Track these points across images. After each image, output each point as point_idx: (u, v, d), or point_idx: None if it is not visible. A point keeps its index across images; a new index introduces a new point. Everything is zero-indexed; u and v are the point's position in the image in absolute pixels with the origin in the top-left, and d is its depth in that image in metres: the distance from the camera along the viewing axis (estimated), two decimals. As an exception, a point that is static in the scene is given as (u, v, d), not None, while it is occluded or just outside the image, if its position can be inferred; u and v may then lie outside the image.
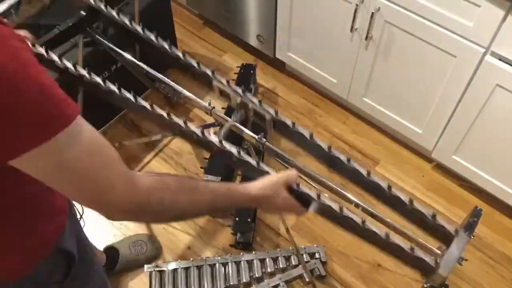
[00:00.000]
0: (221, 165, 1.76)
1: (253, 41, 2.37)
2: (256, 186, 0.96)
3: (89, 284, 1.05)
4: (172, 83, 1.47)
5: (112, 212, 0.74)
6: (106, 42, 1.65)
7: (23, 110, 0.59)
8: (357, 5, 1.71)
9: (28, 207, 0.81)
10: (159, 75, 1.50)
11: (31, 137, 0.61)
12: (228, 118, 1.36)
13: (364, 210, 1.21)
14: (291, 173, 1.04)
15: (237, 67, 2.29)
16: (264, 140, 1.27)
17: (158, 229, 1.87)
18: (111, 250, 1.73)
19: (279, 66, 2.40)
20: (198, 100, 1.42)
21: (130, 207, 0.73)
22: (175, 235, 1.85)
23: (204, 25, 2.65)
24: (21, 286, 0.88)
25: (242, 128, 1.31)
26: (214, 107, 1.41)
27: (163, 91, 2.11)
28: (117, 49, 1.62)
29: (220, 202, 0.90)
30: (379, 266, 1.78)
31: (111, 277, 1.69)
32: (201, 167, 1.99)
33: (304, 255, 1.77)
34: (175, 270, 1.73)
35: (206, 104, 1.39)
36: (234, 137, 1.35)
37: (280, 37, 2.18)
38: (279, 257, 1.76)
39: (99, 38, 1.67)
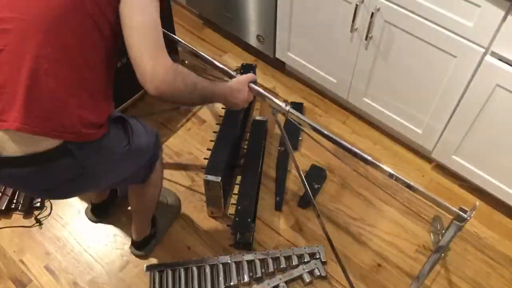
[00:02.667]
0: (221, 166, 1.76)
1: (253, 41, 2.37)
2: (231, 82, 1.37)
3: (142, 137, 1.36)
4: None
5: (157, 70, 1.08)
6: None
7: None
8: (357, 5, 1.71)
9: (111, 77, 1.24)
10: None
11: None
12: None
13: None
14: (251, 74, 1.43)
15: (236, 67, 2.29)
16: (288, 107, 1.49)
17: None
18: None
19: (279, 66, 2.40)
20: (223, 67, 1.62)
21: (168, 72, 1.09)
22: (175, 235, 1.85)
23: (204, 25, 2.65)
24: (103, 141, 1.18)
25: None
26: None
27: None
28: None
29: (212, 93, 1.27)
30: (379, 266, 1.78)
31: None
32: (202, 167, 1.99)
33: (304, 255, 1.77)
34: (175, 270, 1.73)
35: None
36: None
37: (280, 37, 2.18)
38: (279, 257, 1.76)
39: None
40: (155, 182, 1.56)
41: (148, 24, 1.11)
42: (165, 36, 1.18)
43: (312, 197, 1.68)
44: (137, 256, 1.79)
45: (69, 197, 1.68)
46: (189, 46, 1.67)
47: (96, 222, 1.88)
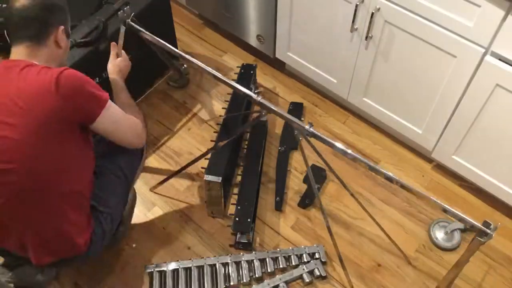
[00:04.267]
0: (222, 166, 1.76)
1: (253, 41, 2.37)
2: (112, 74, 1.67)
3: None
4: (195, 61, 1.68)
5: (141, 141, 1.55)
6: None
7: (92, 92, 1.32)
8: (357, 5, 1.71)
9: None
10: (185, 55, 1.74)
11: (98, 107, 1.33)
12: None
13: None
14: (112, 49, 1.72)
15: (237, 67, 2.30)
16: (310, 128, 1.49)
17: (158, 229, 1.87)
18: None
19: (279, 66, 2.40)
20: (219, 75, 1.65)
21: (141, 126, 1.52)
22: (175, 235, 1.85)
23: (204, 25, 2.65)
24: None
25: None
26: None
27: (182, 69, 2.32)
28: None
29: (128, 98, 1.63)
30: (379, 266, 1.78)
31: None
32: (202, 168, 2.00)
33: (304, 255, 1.77)
34: (175, 270, 1.73)
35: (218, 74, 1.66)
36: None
37: (280, 37, 2.18)
38: (279, 257, 1.76)
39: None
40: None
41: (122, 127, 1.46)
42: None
43: (318, 197, 1.68)
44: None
45: None
46: (194, 61, 1.68)
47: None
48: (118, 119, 1.41)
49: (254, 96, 1.54)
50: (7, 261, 1.61)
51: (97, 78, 1.94)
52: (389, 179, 1.38)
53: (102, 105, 1.34)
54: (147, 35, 1.77)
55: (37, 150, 1.25)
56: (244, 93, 1.57)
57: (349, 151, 1.43)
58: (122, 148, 1.53)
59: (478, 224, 1.27)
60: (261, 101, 1.53)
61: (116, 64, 1.67)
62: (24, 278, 1.60)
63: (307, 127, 1.47)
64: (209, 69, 1.63)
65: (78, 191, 1.39)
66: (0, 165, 1.25)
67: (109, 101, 1.37)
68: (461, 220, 1.32)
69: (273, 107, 1.52)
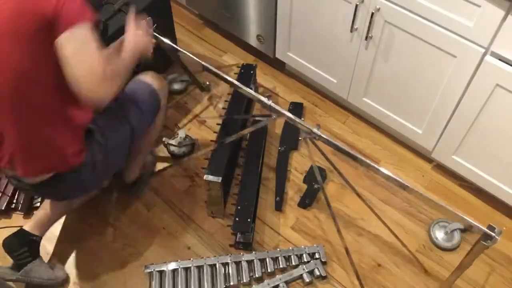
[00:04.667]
0: (222, 166, 1.77)
1: (253, 41, 2.37)
2: (123, 38, 1.48)
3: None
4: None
5: (93, 92, 1.25)
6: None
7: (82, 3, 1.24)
8: (357, 5, 1.71)
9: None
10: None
11: (80, 18, 1.22)
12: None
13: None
14: (130, 21, 1.51)
15: (237, 67, 2.29)
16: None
17: (158, 229, 1.87)
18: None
19: (279, 66, 2.40)
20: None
21: (103, 75, 1.24)
22: (175, 235, 1.85)
23: (204, 25, 2.65)
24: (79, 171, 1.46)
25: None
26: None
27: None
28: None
29: (122, 62, 1.39)
30: (379, 266, 1.78)
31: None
32: (202, 168, 2.00)
33: (304, 255, 1.77)
34: (175, 270, 1.73)
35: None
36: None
37: (280, 37, 2.18)
38: (279, 257, 1.76)
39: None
40: (158, 125, 1.79)
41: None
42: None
43: (324, 192, 1.68)
44: (130, 196, 1.94)
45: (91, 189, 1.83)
46: (211, 68, 1.67)
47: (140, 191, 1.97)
48: (85, 46, 1.24)
49: (265, 100, 1.55)
50: (15, 260, 1.62)
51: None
52: (402, 186, 1.39)
53: (82, 19, 1.23)
54: (167, 44, 1.75)
55: (26, 58, 1.25)
56: (255, 97, 1.57)
57: (358, 155, 1.44)
58: (134, 103, 1.57)
59: (484, 228, 1.27)
60: (271, 105, 1.54)
61: (131, 38, 1.46)
62: (33, 276, 1.61)
63: (315, 129, 1.49)
64: (230, 79, 1.62)
65: (70, 101, 1.33)
66: None
67: (89, 25, 1.25)
68: (467, 224, 1.32)
69: (283, 111, 1.53)
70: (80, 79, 1.22)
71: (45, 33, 1.22)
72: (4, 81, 1.28)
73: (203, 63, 1.63)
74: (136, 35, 1.47)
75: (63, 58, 1.23)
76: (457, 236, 1.83)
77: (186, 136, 2.08)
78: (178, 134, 2.08)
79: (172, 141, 2.07)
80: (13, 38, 1.23)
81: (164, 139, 2.05)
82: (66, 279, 1.73)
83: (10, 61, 1.25)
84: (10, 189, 1.91)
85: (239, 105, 2.06)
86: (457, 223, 1.83)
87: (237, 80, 2.15)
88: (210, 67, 1.63)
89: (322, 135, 1.48)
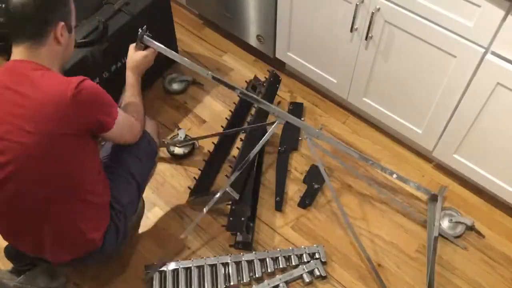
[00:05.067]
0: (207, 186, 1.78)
1: (253, 41, 2.37)
2: (127, 68, 1.64)
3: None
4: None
5: (135, 139, 1.55)
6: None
7: (108, 106, 1.36)
8: (357, 5, 1.71)
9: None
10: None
11: (111, 120, 1.36)
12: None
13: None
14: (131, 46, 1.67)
15: (245, 81, 2.28)
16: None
17: (158, 229, 1.87)
18: None
19: (279, 66, 2.40)
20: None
21: (140, 128, 1.57)
22: (175, 235, 1.85)
23: (204, 25, 2.65)
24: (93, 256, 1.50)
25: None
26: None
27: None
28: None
29: (137, 98, 1.61)
30: (379, 266, 1.78)
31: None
32: (199, 169, 1.99)
33: (304, 255, 1.77)
34: (175, 270, 1.73)
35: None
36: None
37: (280, 37, 2.18)
38: (279, 257, 1.76)
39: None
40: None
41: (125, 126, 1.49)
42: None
43: (332, 188, 1.68)
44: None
45: None
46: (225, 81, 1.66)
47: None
48: (122, 126, 1.44)
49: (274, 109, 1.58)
50: (16, 266, 1.62)
51: (97, 78, 1.95)
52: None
53: (114, 117, 1.37)
54: (163, 49, 1.70)
55: (51, 152, 1.27)
56: (265, 105, 1.60)
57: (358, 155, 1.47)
58: (134, 155, 1.58)
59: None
60: (279, 114, 1.58)
61: (133, 58, 1.62)
62: (34, 283, 1.61)
63: (318, 130, 1.54)
64: (239, 88, 1.62)
65: (92, 190, 1.41)
66: (23, 167, 1.28)
67: (118, 110, 1.40)
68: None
69: (290, 117, 1.55)
70: (124, 141, 1.52)
71: (71, 132, 1.30)
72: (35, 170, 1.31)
73: (211, 74, 1.61)
74: (133, 60, 1.62)
75: (108, 140, 1.52)
76: (460, 228, 1.83)
77: (186, 136, 2.08)
78: (178, 134, 2.08)
79: (172, 141, 2.07)
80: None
81: (164, 139, 2.05)
82: (67, 280, 1.73)
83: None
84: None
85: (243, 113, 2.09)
86: (465, 218, 1.85)
87: (263, 93, 2.14)
88: (218, 77, 1.62)
89: (322, 134, 1.49)
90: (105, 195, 1.47)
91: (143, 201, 1.85)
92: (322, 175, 1.67)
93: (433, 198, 1.88)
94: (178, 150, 2.06)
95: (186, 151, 2.07)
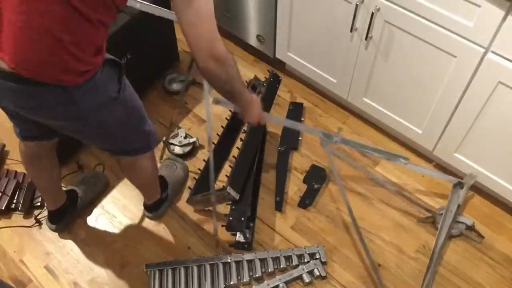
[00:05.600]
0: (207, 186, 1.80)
1: (253, 41, 2.37)
2: (254, 95, 1.46)
3: (136, 100, 1.45)
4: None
5: (213, 54, 1.23)
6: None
7: None
8: (357, 5, 1.71)
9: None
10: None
11: None
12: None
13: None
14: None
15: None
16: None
17: (158, 229, 1.87)
18: (71, 192, 1.89)
19: (279, 66, 2.40)
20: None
21: (220, 57, 1.22)
22: (175, 235, 1.85)
23: (204, 25, 2.64)
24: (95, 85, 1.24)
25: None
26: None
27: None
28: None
29: (241, 87, 1.35)
30: (379, 266, 1.78)
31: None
32: (199, 169, 1.99)
33: (304, 255, 1.77)
34: (175, 270, 1.73)
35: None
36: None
37: (280, 37, 2.18)
38: (279, 257, 1.76)
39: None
40: (148, 158, 1.64)
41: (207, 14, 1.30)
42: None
43: (337, 175, 1.67)
44: (149, 218, 1.90)
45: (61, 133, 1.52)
46: None
47: (54, 230, 1.86)
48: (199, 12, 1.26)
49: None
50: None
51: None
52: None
53: None
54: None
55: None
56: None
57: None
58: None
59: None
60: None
61: (254, 104, 1.44)
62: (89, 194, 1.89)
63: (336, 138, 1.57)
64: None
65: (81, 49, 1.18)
66: None
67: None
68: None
69: (299, 125, 1.54)
70: (197, 48, 1.26)
71: None
72: None
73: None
74: (257, 106, 1.46)
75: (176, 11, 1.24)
76: (460, 226, 1.83)
77: (187, 135, 2.08)
78: (178, 134, 2.08)
79: (173, 141, 2.07)
80: None
81: (164, 138, 2.06)
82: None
83: None
84: (10, 189, 1.91)
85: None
86: (466, 218, 1.85)
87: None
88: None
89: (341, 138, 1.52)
90: (104, 35, 1.28)
91: (187, 168, 1.99)
92: (338, 186, 1.64)
93: (459, 185, 1.87)
94: (178, 150, 2.06)
95: (187, 150, 2.07)
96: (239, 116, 1.49)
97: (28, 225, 1.87)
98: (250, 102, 1.44)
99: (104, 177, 2.00)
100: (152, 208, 1.88)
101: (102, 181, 1.99)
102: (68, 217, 1.86)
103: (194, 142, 2.09)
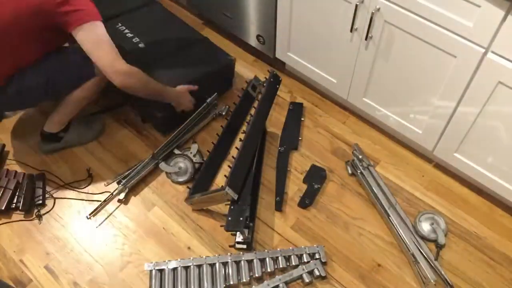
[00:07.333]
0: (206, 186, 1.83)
1: (253, 41, 2.37)
2: (177, 88, 1.92)
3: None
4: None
5: (116, 70, 1.62)
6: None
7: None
8: (357, 5, 1.71)
9: None
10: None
11: (90, 16, 1.57)
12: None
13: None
14: (188, 86, 1.98)
15: (245, 82, 2.28)
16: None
17: (158, 229, 1.87)
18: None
19: (279, 66, 2.40)
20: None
21: (124, 71, 1.64)
22: (175, 235, 1.86)
23: (204, 25, 2.65)
24: None
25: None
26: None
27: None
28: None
29: (160, 87, 1.81)
30: (379, 266, 1.78)
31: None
32: (188, 187, 1.98)
33: (304, 255, 1.77)
34: (175, 269, 1.73)
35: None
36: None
37: (280, 37, 2.18)
38: (279, 257, 1.76)
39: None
40: (87, 88, 1.87)
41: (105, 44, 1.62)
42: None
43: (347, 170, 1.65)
44: (42, 151, 2.04)
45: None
46: None
47: (47, 152, 2.04)
48: (101, 41, 1.60)
49: None
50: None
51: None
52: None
53: (90, 19, 1.56)
54: None
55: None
56: None
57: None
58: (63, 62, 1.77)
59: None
60: None
61: (181, 95, 1.95)
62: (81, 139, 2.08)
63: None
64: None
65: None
66: None
67: (100, 22, 1.59)
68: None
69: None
70: (99, 63, 1.63)
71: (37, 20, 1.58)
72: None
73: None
74: (180, 96, 1.93)
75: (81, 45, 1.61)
76: (436, 236, 1.82)
77: (198, 151, 2.06)
78: (190, 148, 2.05)
79: (182, 152, 2.05)
80: None
81: (175, 150, 2.04)
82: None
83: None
84: (10, 189, 1.91)
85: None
86: (442, 233, 1.81)
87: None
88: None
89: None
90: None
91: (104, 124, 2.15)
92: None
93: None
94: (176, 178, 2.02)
95: (186, 178, 2.01)
96: (177, 110, 1.88)
97: (28, 223, 1.87)
98: (177, 96, 1.87)
99: (99, 124, 2.15)
100: (46, 139, 2.01)
101: (94, 130, 2.13)
102: (52, 146, 2.05)
103: (201, 164, 2.03)
